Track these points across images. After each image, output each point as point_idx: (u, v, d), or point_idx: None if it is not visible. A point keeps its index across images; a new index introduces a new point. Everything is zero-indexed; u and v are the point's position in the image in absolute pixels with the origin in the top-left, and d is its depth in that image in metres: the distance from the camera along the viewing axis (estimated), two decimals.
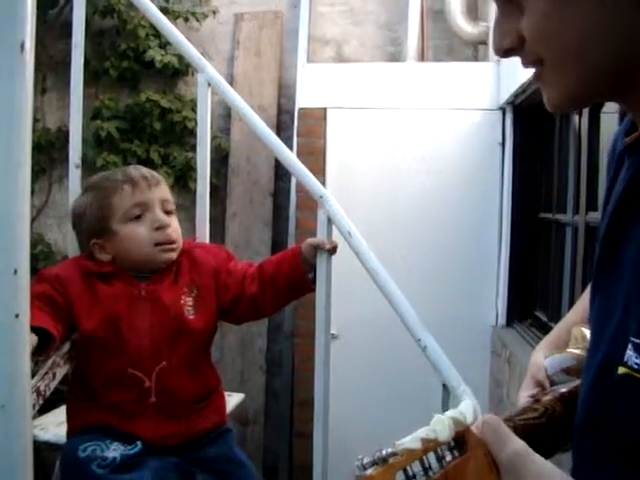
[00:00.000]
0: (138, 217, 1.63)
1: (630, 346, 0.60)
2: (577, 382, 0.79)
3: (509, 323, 3.60)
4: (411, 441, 0.57)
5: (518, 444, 0.60)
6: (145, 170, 1.70)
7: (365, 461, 0.58)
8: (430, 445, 0.58)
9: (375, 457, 0.57)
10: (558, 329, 1.02)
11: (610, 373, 0.63)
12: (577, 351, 0.89)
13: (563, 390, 0.80)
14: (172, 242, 1.65)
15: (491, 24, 3.62)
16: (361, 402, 3.63)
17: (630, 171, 0.68)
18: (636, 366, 0.59)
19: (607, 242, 0.71)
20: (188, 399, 1.64)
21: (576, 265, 2.70)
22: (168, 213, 1.68)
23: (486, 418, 0.61)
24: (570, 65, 0.64)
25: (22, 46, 0.72)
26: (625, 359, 0.61)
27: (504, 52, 0.69)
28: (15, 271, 0.75)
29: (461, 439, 0.59)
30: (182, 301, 1.65)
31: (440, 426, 0.58)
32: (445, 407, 1.56)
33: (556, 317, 3.06)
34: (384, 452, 0.57)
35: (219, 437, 1.71)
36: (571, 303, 2.73)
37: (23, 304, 0.77)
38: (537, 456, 0.60)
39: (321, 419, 1.75)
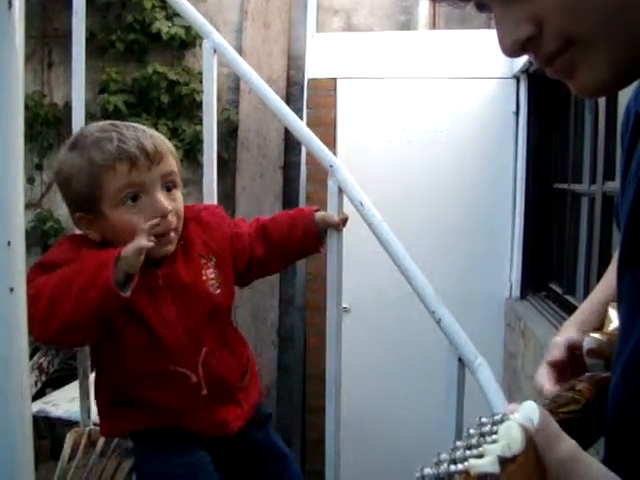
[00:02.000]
0: (134, 199, 1.37)
1: None
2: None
3: (523, 295, 3.56)
4: (489, 465, 0.50)
5: (568, 445, 0.54)
6: (147, 141, 1.39)
7: (426, 472, 0.52)
8: None
9: (440, 472, 0.52)
10: (584, 309, 0.96)
11: None
12: (597, 335, 0.85)
13: (600, 376, 0.76)
14: (170, 232, 1.42)
15: None
16: (374, 376, 3.62)
17: None
18: None
19: (635, 218, 0.66)
20: (235, 379, 1.52)
21: (593, 236, 2.65)
22: (170, 188, 1.43)
23: (539, 418, 0.56)
24: (614, 35, 0.56)
25: (10, 3, 0.68)
26: None
27: (521, 46, 0.60)
28: (9, 243, 0.71)
29: None
30: (204, 277, 1.48)
31: (513, 437, 0.52)
32: (460, 381, 1.52)
33: (571, 289, 3.02)
34: (452, 468, 0.51)
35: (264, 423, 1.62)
36: (587, 275, 2.68)
37: (18, 278, 0.73)
38: (588, 458, 0.55)
39: (333, 393, 1.72)
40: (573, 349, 0.85)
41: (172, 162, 1.45)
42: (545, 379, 0.84)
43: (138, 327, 1.40)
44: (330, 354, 1.71)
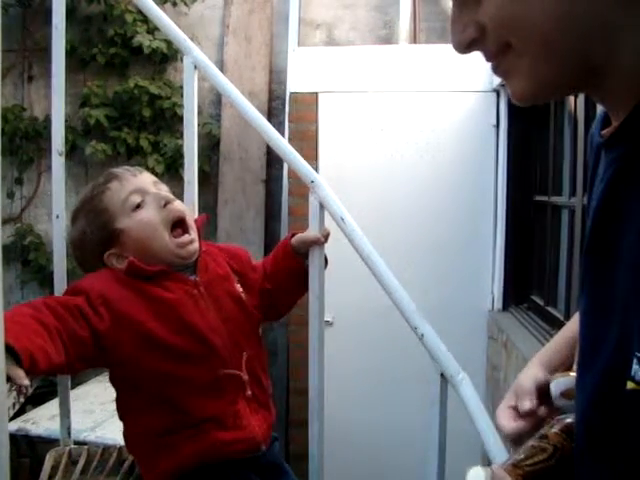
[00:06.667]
0: (139, 205, 1.47)
1: (635, 360, 0.57)
2: None
3: (505, 307, 3.57)
4: None
5: None
6: (126, 166, 1.57)
7: None
8: None
9: None
10: (554, 345, 0.96)
11: (615, 388, 0.58)
12: (568, 375, 0.85)
13: (568, 421, 0.76)
14: (183, 221, 1.49)
15: None
16: (357, 390, 3.61)
17: (608, 172, 0.64)
18: None
19: (592, 247, 0.67)
20: (267, 385, 1.60)
21: (573, 248, 2.67)
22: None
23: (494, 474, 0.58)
24: (538, 50, 0.61)
25: None
26: (632, 374, 0.57)
27: (466, 46, 0.66)
28: None
29: None
30: (236, 284, 1.57)
31: None
32: (443, 396, 1.52)
33: (553, 301, 3.04)
34: None
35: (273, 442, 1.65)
36: (568, 286, 2.70)
37: None
38: None
39: (316, 408, 1.71)
40: (541, 391, 0.86)
41: (155, 177, 1.57)
42: (505, 420, 0.86)
43: (191, 337, 1.44)
44: (313, 369, 1.70)
